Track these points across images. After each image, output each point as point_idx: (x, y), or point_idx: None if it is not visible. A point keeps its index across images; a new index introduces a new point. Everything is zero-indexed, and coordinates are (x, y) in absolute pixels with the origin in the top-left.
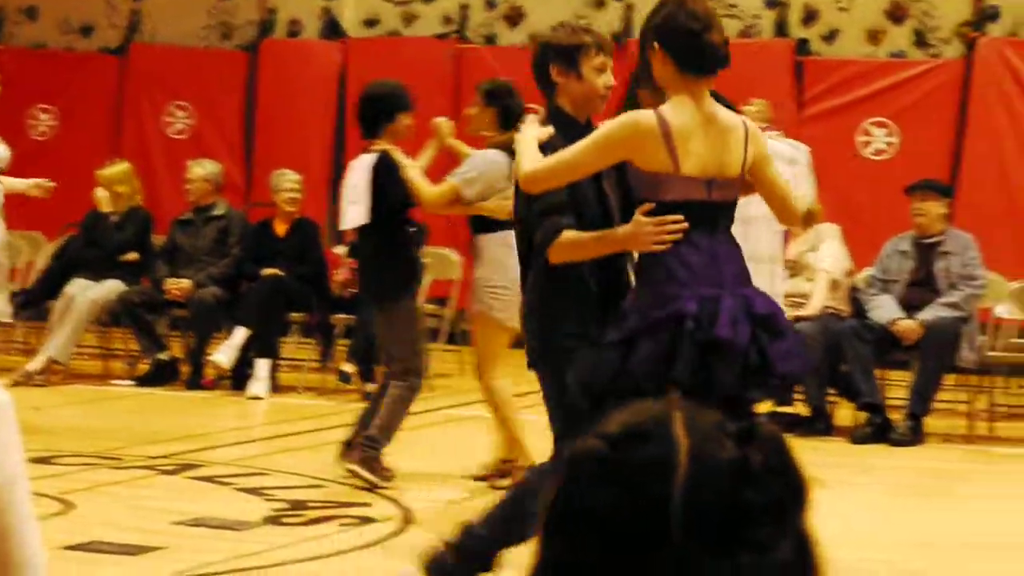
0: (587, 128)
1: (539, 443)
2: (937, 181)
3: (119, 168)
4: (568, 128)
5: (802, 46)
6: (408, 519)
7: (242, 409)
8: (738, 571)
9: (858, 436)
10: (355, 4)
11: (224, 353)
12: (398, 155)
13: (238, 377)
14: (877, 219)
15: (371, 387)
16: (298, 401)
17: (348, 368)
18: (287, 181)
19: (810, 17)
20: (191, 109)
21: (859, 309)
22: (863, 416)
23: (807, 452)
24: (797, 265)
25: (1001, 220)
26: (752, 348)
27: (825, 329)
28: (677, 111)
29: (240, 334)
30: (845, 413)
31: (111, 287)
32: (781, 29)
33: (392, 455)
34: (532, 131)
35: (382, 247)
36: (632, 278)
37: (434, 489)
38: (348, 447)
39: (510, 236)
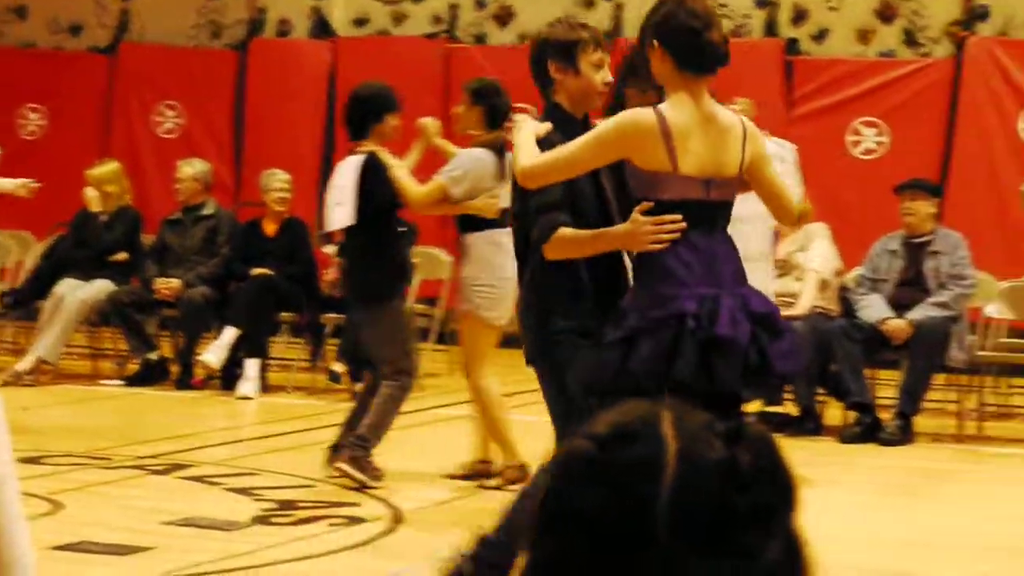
0: (584, 124)
1: (532, 443)
2: (926, 180)
3: (108, 168)
4: (566, 124)
5: (792, 46)
6: (397, 519)
7: (231, 409)
8: (726, 572)
9: (847, 436)
10: (345, 3)
11: (213, 353)
12: (385, 156)
13: (227, 377)
14: (866, 218)
15: (359, 387)
16: (288, 401)
17: (338, 368)
18: (277, 181)
19: (800, 17)
20: (180, 108)
21: (848, 308)
22: (852, 416)
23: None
24: (786, 264)
25: (990, 220)
26: (752, 348)
27: (814, 329)
28: (676, 110)
29: (229, 334)
30: (834, 413)
31: (100, 287)
32: (771, 29)
33: (382, 455)
34: (530, 126)
35: (369, 248)
36: (629, 273)
37: (423, 489)
38: (335, 451)
39: (497, 235)
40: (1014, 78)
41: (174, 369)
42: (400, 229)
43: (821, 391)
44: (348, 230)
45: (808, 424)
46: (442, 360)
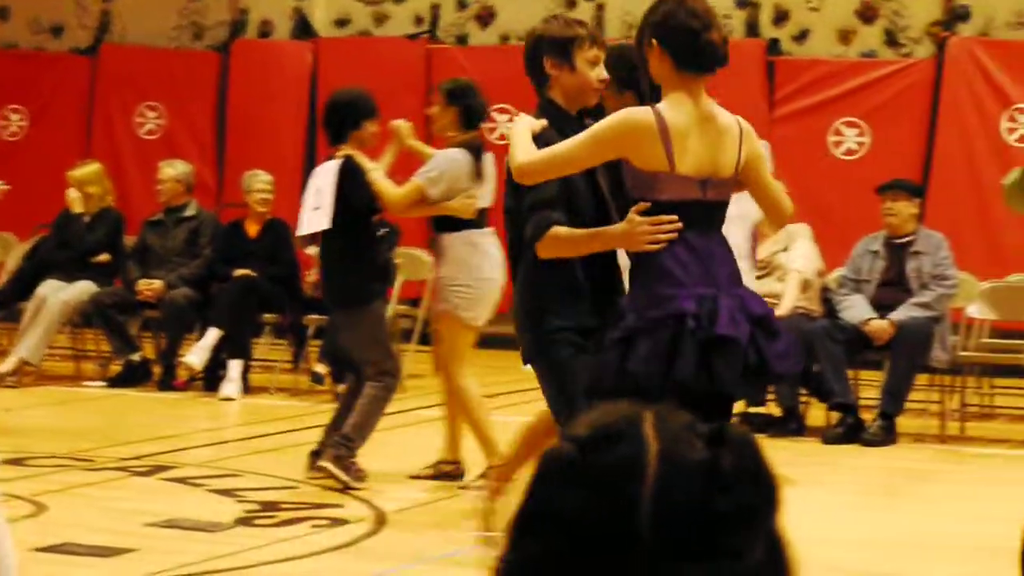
0: (579, 121)
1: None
2: (908, 181)
3: (90, 169)
4: (561, 121)
5: (773, 46)
6: (381, 520)
7: (214, 410)
8: (709, 573)
9: (830, 436)
10: (326, 4)
11: (196, 354)
12: (362, 159)
13: (210, 378)
14: (848, 219)
15: (342, 388)
16: (270, 402)
17: (320, 369)
18: (259, 182)
19: (781, 17)
20: (162, 109)
21: (831, 309)
22: (835, 416)
23: (779, 452)
24: (769, 265)
25: (972, 220)
26: (751, 348)
27: (797, 329)
28: (674, 109)
29: (212, 335)
30: (817, 413)
31: (83, 288)
32: (752, 29)
33: (364, 456)
34: (525, 123)
35: (347, 251)
36: (622, 273)
37: (406, 490)
38: (316, 456)
39: (473, 235)
40: (995, 78)
41: (157, 370)
42: (382, 231)
43: (804, 392)
44: (326, 234)
45: (791, 425)
46: (425, 361)
